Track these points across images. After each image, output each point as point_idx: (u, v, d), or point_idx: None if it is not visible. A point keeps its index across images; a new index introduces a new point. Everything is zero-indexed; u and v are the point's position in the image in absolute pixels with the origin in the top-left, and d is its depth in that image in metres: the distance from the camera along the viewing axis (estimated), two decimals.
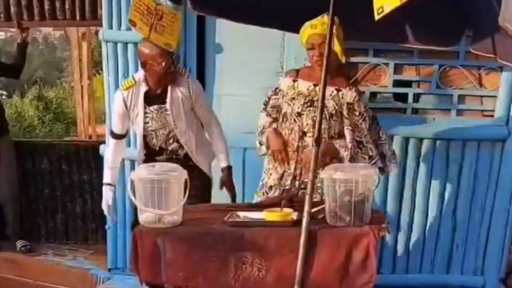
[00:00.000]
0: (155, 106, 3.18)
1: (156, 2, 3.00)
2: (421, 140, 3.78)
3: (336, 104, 2.92)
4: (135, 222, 2.67)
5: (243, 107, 3.75)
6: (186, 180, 2.49)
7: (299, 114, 2.93)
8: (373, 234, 2.35)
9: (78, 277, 4.27)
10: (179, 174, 2.49)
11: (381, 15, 2.09)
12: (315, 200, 2.51)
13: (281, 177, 2.98)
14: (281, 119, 3.01)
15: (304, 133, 2.92)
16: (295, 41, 3.06)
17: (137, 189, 2.47)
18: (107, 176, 3.30)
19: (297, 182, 2.95)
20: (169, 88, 3.15)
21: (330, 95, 2.88)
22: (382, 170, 3.01)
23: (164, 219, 2.48)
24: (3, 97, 9.80)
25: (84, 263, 4.41)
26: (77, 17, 4.31)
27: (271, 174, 3.03)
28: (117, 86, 3.67)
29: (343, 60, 2.90)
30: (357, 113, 2.94)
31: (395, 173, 3.29)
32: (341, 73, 2.98)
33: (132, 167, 3.78)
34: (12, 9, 4.35)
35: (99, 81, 8.78)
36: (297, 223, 2.42)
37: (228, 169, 3.28)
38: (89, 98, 7.54)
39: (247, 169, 3.72)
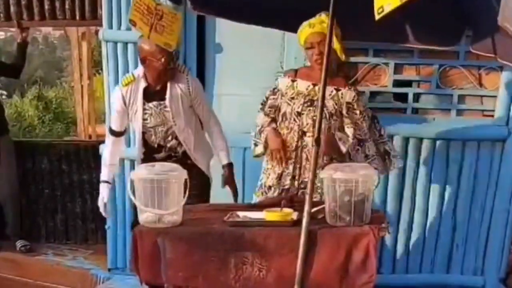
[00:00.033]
0: (154, 103, 3.17)
1: (156, 2, 3.00)
2: (421, 140, 3.78)
3: (336, 104, 2.92)
4: (135, 222, 2.67)
5: (243, 107, 3.75)
6: (186, 180, 2.49)
7: (299, 114, 2.93)
8: (373, 234, 2.35)
9: (78, 277, 4.27)
10: (179, 174, 2.49)
11: (381, 15, 2.09)
12: (315, 200, 2.51)
13: (280, 177, 2.99)
14: (280, 119, 3.01)
15: (304, 133, 2.93)
16: (295, 41, 3.07)
17: (137, 189, 2.47)
18: (104, 174, 3.30)
19: (296, 182, 2.95)
20: (168, 84, 3.15)
21: (330, 94, 2.88)
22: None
23: (164, 219, 2.48)
24: (3, 96, 9.79)
25: (84, 263, 4.41)
26: (77, 17, 4.31)
27: (269, 174, 3.03)
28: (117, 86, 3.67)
29: (343, 58, 2.90)
30: (357, 112, 2.95)
31: (400, 166, 3.31)
32: (341, 72, 2.98)
33: (132, 167, 3.78)
34: (12, 8, 4.35)
35: (99, 81, 8.78)
36: (297, 223, 2.42)
37: (229, 166, 3.28)
38: (89, 98, 7.53)
39: (247, 169, 3.72)
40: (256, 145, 3.06)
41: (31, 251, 4.55)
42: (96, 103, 8.09)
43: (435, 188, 3.82)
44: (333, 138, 2.91)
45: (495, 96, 3.74)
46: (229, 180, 3.27)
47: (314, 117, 2.86)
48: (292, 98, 2.96)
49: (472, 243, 3.89)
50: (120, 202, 4.10)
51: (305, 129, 2.92)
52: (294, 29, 2.98)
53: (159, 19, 2.98)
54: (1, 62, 5.03)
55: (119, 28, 3.89)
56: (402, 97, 3.83)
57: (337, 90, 2.94)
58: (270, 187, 3.02)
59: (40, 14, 4.34)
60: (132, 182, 2.50)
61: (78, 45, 7.39)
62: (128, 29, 3.81)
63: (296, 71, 3.04)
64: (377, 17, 2.11)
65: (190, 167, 2.83)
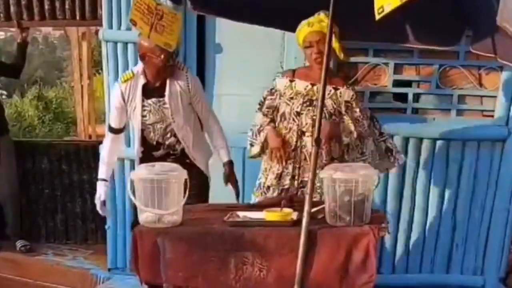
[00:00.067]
0: (153, 99, 3.18)
1: (157, 1, 3.00)
2: (421, 140, 3.78)
3: (334, 103, 2.92)
4: (135, 222, 2.67)
5: (243, 107, 3.75)
6: (186, 180, 2.49)
7: (298, 114, 2.93)
8: (373, 234, 2.35)
9: (78, 277, 4.27)
10: (179, 173, 2.49)
11: (381, 15, 2.09)
12: (314, 200, 2.51)
13: (279, 177, 2.98)
14: (278, 119, 3.01)
15: (303, 133, 2.93)
16: (295, 41, 3.07)
17: (137, 189, 2.47)
18: (102, 172, 3.30)
19: (296, 182, 2.95)
20: (167, 81, 3.15)
21: (328, 94, 2.88)
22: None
23: (164, 219, 2.48)
24: (3, 96, 9.80)
25: (84, 263, 4.41)
26: (77, 17, 4.31)
27: (268, 175, 3.03)
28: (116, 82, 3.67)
29: (341, 57, 2.91)
30: (357, 110, 2.95)
31: (404, 161, 3.32)
32: (341, 73, 2.99)
33: (132, 167, 3.78)
34: (12, 8, 4.35)
35: (99, 80, 8.77)
36: (297, 223, 2.42)
37: (230, 164, 3.29)
38: (89, 98, 7.54)
39: (247, 169, 3.71)
40: (252, 145, 3.05)
41: (31, 251, 4.55)
42: (96, 103, 8.10)
43: (435, 188, 3.82)
44: (336, 124, 2.90)
45: (495, 96, 3.74)
46: (230, 177, 3.27)
47: (313, 117, 2.87)
48: (291, 98, 2.96)
49: (472, 242, 3.89)
50: (120, 202, 4.10)
51: (304, 129, 2.92)
52: (294, 29, 2.98)
53: (159, 19, 2.98)
54: (1, 62, 5.03)
55: (119, 28, 3.89)
56: (402, 97, 3.83)
57: (336, 89, 2.94)
58: (268, 187, 3.02)
59: (40, 14, 4.34)
60: (132, 182, 2.50)
61: (78, 45, 7.40)
62: (128, 29, 3.81)
63: (293, 71, 3.04)
64: (377, 17, 2.11)
65: (189, 167, 2.83)
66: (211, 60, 4.00)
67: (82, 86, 7.47)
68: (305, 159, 2.93)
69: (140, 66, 3.18)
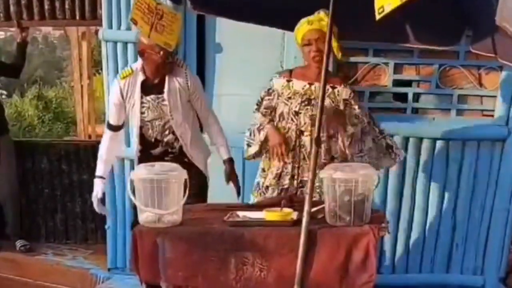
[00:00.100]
0: (152, 96, 3.18)
1: (157, 1, 3.00)
2: (421, 139, 3.78)
3: (333, 102, 2.92)
4: (135, 222, 2.67)
5: (243, 107, 3.74)
6: (186, 179, 2.49)
7: (297, 113, 2.93)
8: (373, 234, 2.35)
9: (77, 276, 4.27)
10: (179, 173, 2.49)
11: (381, 15, 2.09)
12: (314, 199, 2.51)
13: (278, 177, 2.98)
14: (277, 119, 3.00)
15: (302, 132, 2.92)
16: (294, 40, 3.06)
17: (137, 188, 2.47)
18: (99, 169, 3.30)
19: (295, 182, 2.95)
20: (166, 78, 3.16)
21: (326, 93, 2.86)
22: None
23: (164, 218, 2.48)
24: (3, 96, 9.79)
25: (83, 262, 4.41)
26: (77, 17, 4.31)
27: (267, 175, 3.03)
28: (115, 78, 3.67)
29: (339, 56, 2.91)
30: (356, 107, 2.94)
31: (404, 156, 3.32)
32: (341, 73, 2.99)
33: (132, 167, 3.78)
34: (12, 8, 4.35)
35: (99, 80, 8.77)
36: (297, 222, 2.42)
37: (230, 161, 3.29)
38: (89, 98, 7.53)
39: (247, 169, 3.71)
40: (249, 145, 3.04)
41: (31, 251, 4.55)
42: (96, 103, 8.09)
43: (435, 188, 3.82)
44: (341, 111, 2.90)
45: (495, 96, 3.74)
46: (231, 175, 3.27)
47: (312, 116, 2.87)
48: (289, 98, 2.96)
49: (472, 242, 3.89)
50: (120, 202, 4.10)
51: (302, 128, 2.92)
52: (294, 28, 2.98)
53: (159, 19, 2.98)
54: (1, 62, 5.03)
55: (119, 28, 3.89)
56: (402, 97, 3.83)
57: (333, 88, 2.94)
58: (267, 187, 3.01)
59: (40, 14, 4.34)
60: (132, 182, 2.50)
61: (78, 45, 7.39)
62: (128, 29, 3.81)
63: (290, 71, 3.04)
64: (377, 17, 2.11)
65: (188, 166, 2.83)
66: (211, 60, 4.00)
67: (82, 86, 7.47)
68: (304, 158, 2.93)
69: (139, 63, 3.19)
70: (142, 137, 3.27)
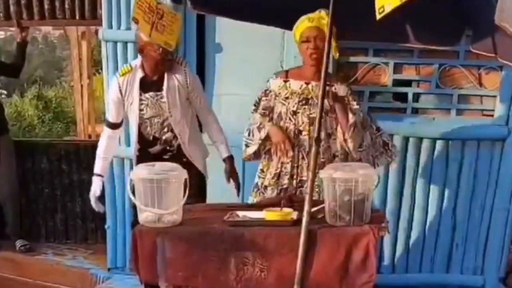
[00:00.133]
0: (151, 93, 3.18)
1: (157, 1, 3.00)
2: (421, 139, 3.78)
3: (330, 100, 2.91)
4: (135, 222, 2.67)
5: (243, 107, 3.73)
6: (186, 179, 2.49)
7: (294, 113, 2.92)
8: (373, 234, 2.35)
9: (77, 276, 4.27)
10: (179, 173, 2.49)
11: (382, 15, 2.09)
12: (313, 199, 2.50)
13: (278, 177, 2.97)
14: (275, 119, 3.00)
15: (300, 132, 2.92)
16: (292, 37, 3.06)
17: (137, 188, 2.47)
18: (97, 167, 3.31)
19: (294, 181, 2.94)
20: (165, 75, 3.17)
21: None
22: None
23: (164, 218, 2.48)
24: (3, 96, 9.81)
25: (83, 262, 4.41)
26: (77, 17, 4.31)
27: (265, 175, 3.02)
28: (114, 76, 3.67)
29: (337, 56, 2.91)
30: (354, 103, 2.92)
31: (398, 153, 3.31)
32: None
33: (132, 167, 3.77)
34: (12, 8, 4.35)
35: (99, 80, 8.78)
36: (297, 222, 2.42)
37: (230, 159, 3.29)
38: (89, 98, 7.53)
39: (247, 169, 3.71)
40: (247, 146, 3.02)
41: (30, 250, 4.55)
42: (96, 102, 8.09)
43: (435, 188, 3.82)
44: (341, 98, 2.89)
45: (495, 96, 3.74)
46: (231, 173, 3.27)
47: (310, 115, 2.87)
48: (287, 98, 2.95)
49: (472, 242, 3.89)
50: (120, 202, 4.10)
51: (301, 128, 2.92)
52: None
53: (160, 18, 2.98)
54: (1, 62, 5.03)
55: (118, 28, 3.89)
56: (402, 97, 3.83)
57: (330, 86, 2.93)
58: (266, 187, 3.01)
59: (40, 14, 4.34)
60: (131, 181, 2.50)
61: (78, 44, 7.39)
62: (128, 28, 3.81)
63: (287, 72, 3.04)
64: (378, 16, 2.10)
65: (187, 167, 2.83)
66: (211, 60, 4.00)
67: (81, 86, 7.47)
68: (303, 158, 2.92)
69: (138, 60, 3.19)
70: (140, 135, 3.27)
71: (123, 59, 3.89)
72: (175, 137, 3.25)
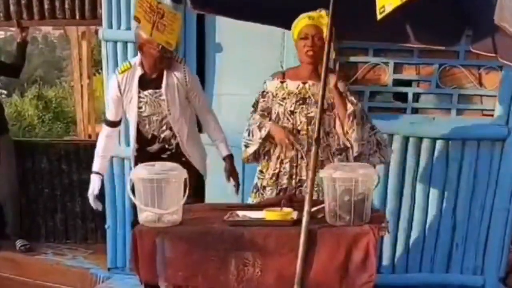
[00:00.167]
0: (150, 91, 3.18)
1: (158, 0, 3.01)
2: (421, 139, 3.78)
3: (328, 98, 2.90)
4: (135, 222, 2.67)
5: (243, 107, 3.72)
6: (185, 179, 2.49)
7: (292, 113, 2.92)
8: (373, 234, 2.34)
9: (77, 276, 4.27)
10: (179, 173, 2.49)
11: (383, 15, 2.09)
12: (313, 198, 2.50)
13: (276, 177, 2.97)
14: (273, 120, 3.00)
15: (298, 131, 2.92)
16: (291, 36, 3.06)
17: (137, 188, 2.47)
18: (96, 165, 3.31)
19: (293, 181, 2.94)
20: (164, 73, 3.17)
21: (320, 89, 2.84)
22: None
23: (164, 218, 2.48)
24: (3, 96, 9.83)
25: (83, 262, 4.41)
26: (77, 16, 4.31)
27: (264, 175, 3.02)
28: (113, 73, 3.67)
29: (333, 56, 2.91)
30: (351, 98, 2.90)
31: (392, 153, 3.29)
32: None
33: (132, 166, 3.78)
34: (12, 8, 4.35)
35: (99, 80, 8.79)
36: (297, 222, 2.42)
37: (230, 157, 3.29)
38: (89, 98, 7.54)
39: (247, 169, 3.71)
40: (247, 146, 3.01)
41: (30, 250, 4.55)
42: (96, 102, 8.10)
43: (435, 188, 3.82)
44: (341, 92, 2.88)
45: (495, 96, 3.74)
46: (231, 171, 3.27)
47: (308, 115, 2.87)
48: (284, 98, 2.95)
49: (472, 242, 3.89)
50: (120, 201, 4.10)
51: (299, 128, 2.91)
52: None
53: (160, 18, 2.99)
54: (1, 62, 5.03)
55: (118, 28, 3.89)
56: (402, 97, 3.83)
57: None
58: (265, 188, 3.00)
59: (40, 14, 4.34)
60: (131, 181, 2.50)
61: (78, 44, 7.39)
62: (128, 28, 3.81)
63: (283, 73, 3.04)
64: (379, 17, 2.10)
65: (185, 167, 2.83)
66: (211, 60, 4.00)
67: (82, 86, 7.47)
68: (301, 157, 2.92)
69: (137, 58, 3.19)
70: (139, 134, 3.27)
71: (123, 59, 3.88)
72: (173, 135, 3.25)
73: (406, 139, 3.77)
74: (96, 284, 4.17)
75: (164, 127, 3.25)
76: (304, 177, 2.88)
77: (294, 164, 2.93)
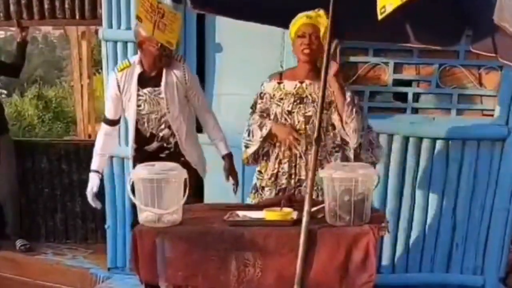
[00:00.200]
0: (149, 89, 3.19)
1: (158, 0, 3.01)
2: (421, 139, 3.78)
3: (326, 96, 2.89)
4: (135, 222, 2.67)
5: (243, 107, 3.72)
6: (185, 179, 2.49)
7: (290, 113, 2.92)
8: (372, 234, 2.35)
9: (77, 276, 4.27)
10: (179, 173, 2.49)
11: (383, 15, 2.09)
12: (313, 198, 2.50)
13: (275, 177, 2.96)
14: (272, 120, 2.99)
15: (296, 131, 2.92)
16: (288, 35, 3.06)
17: (137, 188, 2.47)
18: (94, 163, 3.32)
19: (292, 181, 2.94)
20: (164, 71, 3.17)
21: (319, 88, 2.83)
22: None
23: (164, 218, 2.48)
24: (3, 96, 9.82)
25: (83, 262, 4.41)
26: (77, 16, 4.31)
27: (263, 176, 3.02)
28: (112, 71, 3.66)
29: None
30: (349, 93, 2.90)
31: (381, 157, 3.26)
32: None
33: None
34: (12, 8, 4.36)
35: (99, 80, 8.79)
36: (297, 222, 2.42)
37: (229, 156, 3.29)
38: (89, 97, 7.54)
39: (247, 169, 3.71)
40: (247, 147, 2.99)
41: (30, 250, 4.56)
42: (96, 102, 8.10)
43: (435, 188, 3.82)
44: (340, 80, 2.87)
45: (495, 96, 3.74)
46: (230, 170, 3.27)
47: (306, 114, 2.87)
48: (281, 99, 2.95)
49: (472, 242, 3.88)
50: (120, 201, 4.10)
51: (297, 127, 2.92)
52: None
53: (161, 17, 2.99)
54: (1, 61, 5.04)
55: (118, 28, 3.89)
56: (402, 97, 3.83)
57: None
58: (263, 188, 3.00)
59: (40, 13, 4.35)
60: (131, 181, 2.50)
61: (78, 44, 7.40)
62: (128, 28, 3.81)
63: (280, 74, 3.04)
64: (379, 17, 2.10)
65: (185, 167, 2.82)
66: (211, 60, 4.00)
67: (82, 86, 7.48)
68: (300, 157, 2.92)
69: (137, 56, 3.20)
70: (138, 132, 3.27)
71: (123, 59, 3.85)
72: (172, 134, 3.26)
73: (406, 139, 3.77)
74: (96, 284, 4.17)
75: (162, 126, 3.25)
76: (303, 177, 2.88)
77: (293, 164, 2.93)
